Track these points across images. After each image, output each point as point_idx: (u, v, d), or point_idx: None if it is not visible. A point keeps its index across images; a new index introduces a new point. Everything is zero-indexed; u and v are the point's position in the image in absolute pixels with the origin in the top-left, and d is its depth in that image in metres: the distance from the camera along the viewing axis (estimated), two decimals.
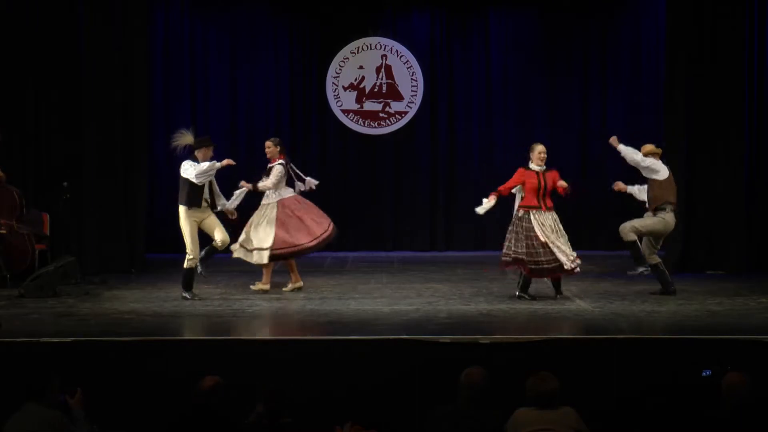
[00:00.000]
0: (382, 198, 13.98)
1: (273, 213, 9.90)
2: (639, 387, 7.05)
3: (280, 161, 10.00)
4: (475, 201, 13.96)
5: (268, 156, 10.07)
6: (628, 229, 9.61)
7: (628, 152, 9.78)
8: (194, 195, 9.61)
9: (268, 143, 10.10)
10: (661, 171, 9.76)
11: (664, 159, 10.07)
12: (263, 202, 10.01)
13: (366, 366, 7.19)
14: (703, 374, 6.89)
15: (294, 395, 6.67)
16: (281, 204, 9.95)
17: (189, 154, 9.71)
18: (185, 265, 9.55)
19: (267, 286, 9.97)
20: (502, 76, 13.91)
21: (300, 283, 10.05)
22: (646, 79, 13.68)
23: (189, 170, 9.55)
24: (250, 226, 9.93)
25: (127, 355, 7.27)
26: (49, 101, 11.63)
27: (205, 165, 9.50)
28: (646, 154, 9.80)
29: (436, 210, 13.98)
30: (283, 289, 9.99)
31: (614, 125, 13.51)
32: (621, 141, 9.98)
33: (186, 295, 9.52)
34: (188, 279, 9.56)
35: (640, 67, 13.75)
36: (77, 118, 11.61)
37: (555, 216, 9.37)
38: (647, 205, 9.86)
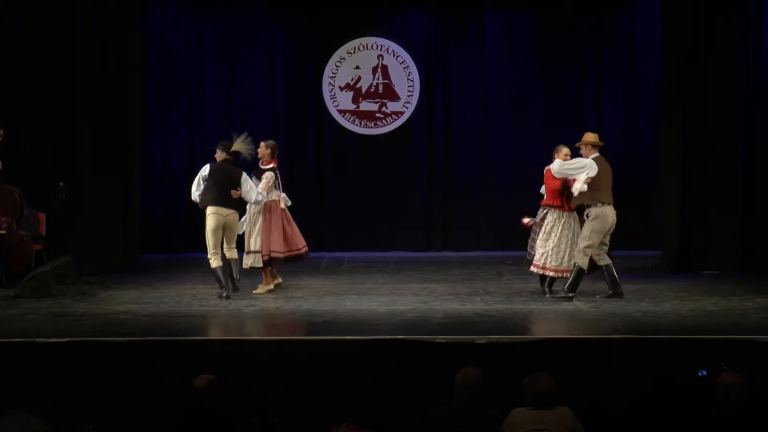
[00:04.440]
0: (378, 198, 13.97)
1: (260, 217, 9.89)
2: (635, 387, 7.06)
3: (272, 166, 9.98)
4: (471, 201, 14.08)
5: (258, 156, 10.03)
6: (581, 255, 9.24)
7: (555, 167, 9.34)
8: None
9: (261, 144, 10.06)
10: (589, 167, 9.26)
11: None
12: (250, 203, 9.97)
13: (362, 366, 7.19)
14: (699, 374, 6.90)
15: (290, 395, 6.70)
16: (267, 207, 9.92)
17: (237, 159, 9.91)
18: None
19: (271, 286, 9.99)
20: (498, 76, 13.90)
21: (271, 286, 10.00)
22: (642, 78, 13.69)
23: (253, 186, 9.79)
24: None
25: (123, 355, 7.26)
26: (45, 101, 11.62)
27: (261, 194, 9.85)
28: (587, 144, 9.48)
29: (433, 210, 13.97)
30: (253, 291, 9.90)
31: (610, 125, 13.55)
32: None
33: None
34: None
35: (636, 66, 13.76)
36: (73, 118, 11.60)
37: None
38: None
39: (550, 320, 8.51)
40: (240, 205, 9.78)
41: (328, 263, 12.67)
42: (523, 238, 13.63)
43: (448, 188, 14.00)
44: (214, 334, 8.40)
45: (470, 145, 13.98)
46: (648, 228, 13.10)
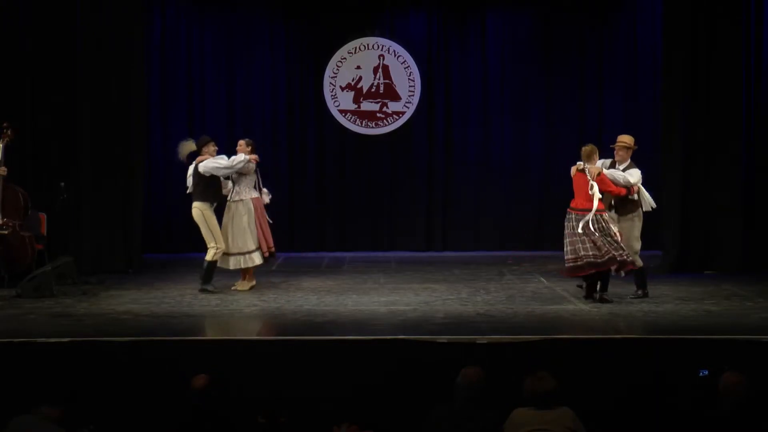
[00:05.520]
0: (379, 198, 13.96)
1: (247, 213, 9.91)
2: (636, 387, 7.06)
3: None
4: (472, 201, 14.07)
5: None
6: (636, 256, 9.39)
7: (609, 175, 9.32)
8: (213, 191, 9.98)
9: (241, 142, 10.23)
10: (640, 178, 9.45)
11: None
12: (233, 198, 10.04)
13: (363, 366, 7.19)
14: (700, 374, 6.90)
15: (291, 395, 6.70)
16: (256, 203, 10.03)
17: (194, 158, 10.11)
18: (210, 257, 9.87)
19: (253, 282, 10.06)
20: (499, 76, 13.89)
21: (254, 282, 10.15)
22: (643, 78, 13.69)
23: (215, 162, 9.84)
24: (226, 232, 10.01)
25: (123, 355, 7.26)
26: (46, 101, 11.61)
27: (240, 156, 9.90)
28: (629, 148, 9.52)
29: (434, 210, 13.97)
30: (239, 288, 10.00)
31: (611, 124, 13.52)
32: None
33: (207, 287, 9.85)
34: (209, 271, 9.89)
35: (636, 66, 13.76)
36: (74, 118, 11.60)
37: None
38: (621, 212, 9.45)
39: (551, 320, 8.50)
40: (211, 198, 9.94)
41: (329, 263, 12.67)
42: (523, 238, 13.73)
43: (449, 188, 13.99)
44: (215, 334, 8.40)
45: (471, 144, 13.97)
46: (648, 228, 13.07)
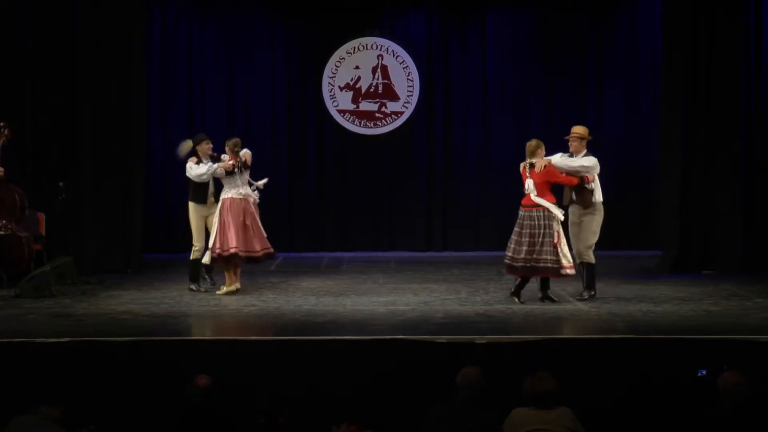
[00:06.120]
0: (378, 198, 13.97)
1: (217, 212, 9.85)
2: (635, 387, 7.06)
3: (231, 162, 9.88)
4: (472, 201, 14.08)
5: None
6: (589, 250, 9.28)
7: (561, 163, 9.29)
8: (200, 192, 10.10)
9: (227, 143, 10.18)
10: (596, 165, 9.34)
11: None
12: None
13: (362, 366, 7.19)
14: (699, 374, 6.90)
15: (291, 395, 6.70)
16: (224, 203, 9.80)
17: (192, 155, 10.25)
18: (191, 257, 10.08)
19: (233, 287, 9.84)
20: (498, 76, 13.90)
21: (233, 288, 9.82)
22: (643, 78, 13.69)
23: (189, 171, 10.09)
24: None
25: (123, 355, 7.27)
26: (46, 101, 11.61)
27: (203, 168, 9.98)
28: (583, 138, 9.46)
29: (433, 210, 13.97)
30: (217, 292, 9.87)
31: (610, 125, 13.55)
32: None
33: (192, 287, 9.99)
34: (194, 271, 10.04)
35: (636, 66, 13.76)
36: (74, 118, 11.60)
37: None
38: (581, 204, 9.30)
39: (550, 320, 8.50)
40: (196, 198, 10.08)
41: (328, 263, 12.67)
42: None
43: (449, 188, 13.99)
44: (215, 335, 8.40)
45: (470, 144, 13.98)
46: (648, 228, 13.10)
